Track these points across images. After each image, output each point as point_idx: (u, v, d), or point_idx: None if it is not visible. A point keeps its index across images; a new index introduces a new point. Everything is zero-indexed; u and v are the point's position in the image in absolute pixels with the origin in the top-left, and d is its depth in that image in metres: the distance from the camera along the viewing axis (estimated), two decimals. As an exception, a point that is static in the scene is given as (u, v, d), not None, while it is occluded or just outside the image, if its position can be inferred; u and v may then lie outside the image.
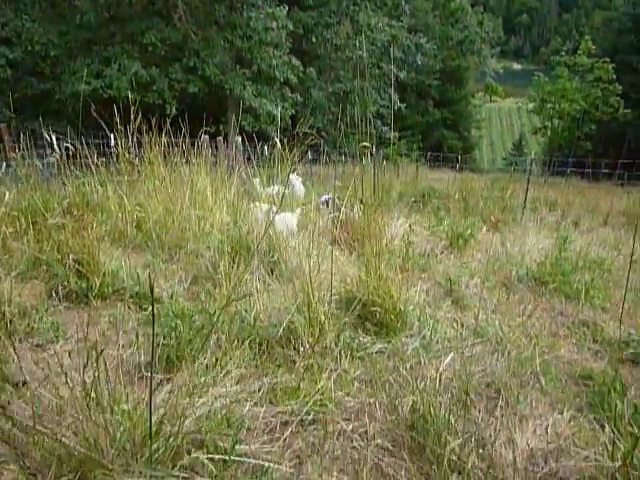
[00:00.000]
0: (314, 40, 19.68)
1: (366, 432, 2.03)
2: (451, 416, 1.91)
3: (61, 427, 1.25)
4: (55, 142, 6.00)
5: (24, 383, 2.15)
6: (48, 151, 7.09)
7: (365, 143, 3.01)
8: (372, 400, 2.20)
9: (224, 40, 16.85)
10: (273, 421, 2.01)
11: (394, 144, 17.06)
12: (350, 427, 2.02)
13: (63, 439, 1.21)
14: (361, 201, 3.90)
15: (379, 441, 1.96)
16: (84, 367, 1.47)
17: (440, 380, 2.18)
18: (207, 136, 6.58)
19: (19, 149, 6.09)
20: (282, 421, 2.04)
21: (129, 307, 3.37)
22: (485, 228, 5.89)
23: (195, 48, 16.58)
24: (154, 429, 1.43)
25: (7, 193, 4.06)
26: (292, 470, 1.69)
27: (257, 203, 4.76)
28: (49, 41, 16.32)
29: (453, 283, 3.68)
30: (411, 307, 3.04)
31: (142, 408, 1.61)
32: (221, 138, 9.48)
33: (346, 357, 2.57)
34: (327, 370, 2.41)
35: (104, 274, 3.57)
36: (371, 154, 3.86)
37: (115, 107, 5.47)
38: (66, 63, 16.39)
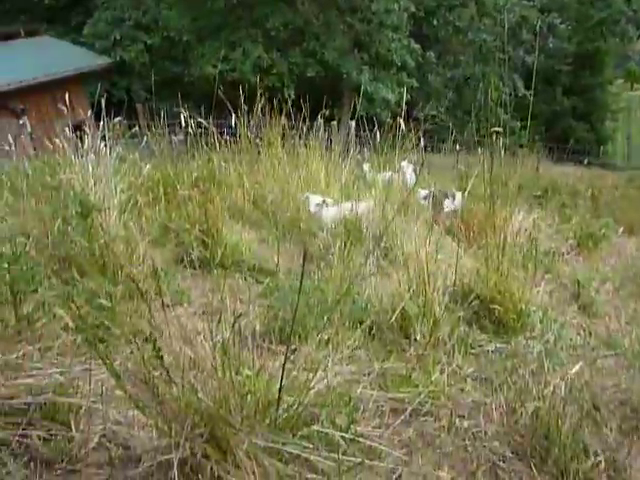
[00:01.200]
0: (435, 23, 18.96)
1: (480, 432, 1.93)
2: (579, 430, 1.75)
3: (196, 381, 1.33)
4: (184, 121, 6.46)
5: (154, 338, 2.35)
6: (178, 129, 7.68)
7: (497, 129, 2.82)
8: (488, 400, 2.09)
9: (344, 23, 16.87)
10: (384, 407, 1.99)
11: (514, 133, 16.00)
12: (465, 424, 1.94)
13: (198, 394, 1.29)
14: (468, 192, 3.71)
15: (495, 443, 1.86)
16: (216, 326, 1.56)
17: (567, 389, 2.00)
18: (322, 120, 6.67)
19: (154, 127, 6.66)
20: (392, 408, 2.01)
21: (246, 279, 3.55)
22: (620, 230, 5.30)
23: (315, 32, 16.81)
24: (275, 398, 1.48)
25: (145, 166, 4.43)
26: (405, 458, 1.66)
27: (309, 194, 4.74)
28: (182, 27, 17.53)
29: (581, 287, 3.37)
30: (533, 308, 2.84)
31: (262, 376, 1.67)
32: (335, 122, 9.56)
33: (460, 352, 2.46)
34: (440, 363, 2.33)
35: (225, 246, 3.78)
36: (489, 144, 3.62)
37: (240, 90, 5.75)
38: (196, 48, 17.51)
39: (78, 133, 4.15)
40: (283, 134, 6.11)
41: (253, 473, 1.17)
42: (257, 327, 2.55)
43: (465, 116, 17.77)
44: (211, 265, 3.61)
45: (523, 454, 1.81)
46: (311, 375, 1.71)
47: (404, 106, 5.24)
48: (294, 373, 1.67)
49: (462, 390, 2.17)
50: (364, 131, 6.85)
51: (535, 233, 3.98)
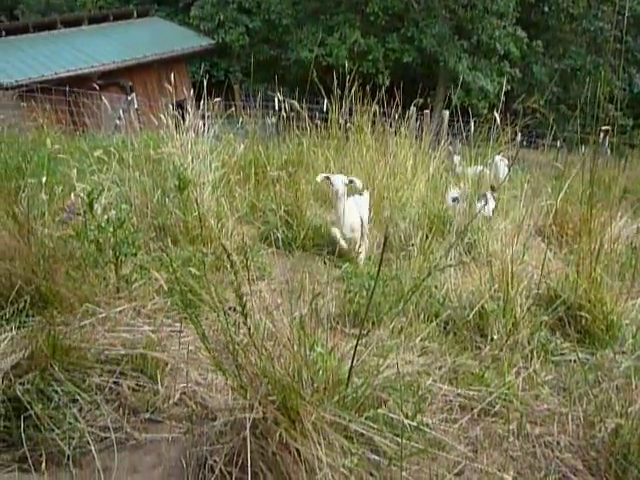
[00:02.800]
0: (546, 9, 17.67)
1: (552, 441, 1.86)
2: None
3: (273, 351, 1.41)
4: (277, 104, 6.63)
5: (234, 309, 2.49)
6: (271, 111, 7.91)
7: (605, 127, 2.62)
8: (564, 410, 1.99)
9: (445, 9, 16.29)
10: (452, 402, 1.97)
11: (625, 132, 14.66)
12: (536, 431, 1.88)
13: (275, 363, 1.37)
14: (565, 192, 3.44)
15: (567, 455, 1.78)
16: (295, 303, 1.63)
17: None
18: (415, 108, 6.55)
19: (249, 108, 6.91)
20: (461, 404, 1.99)
21: (325, 262, 3.63)
22: None
23: (415, 18, 16.40)
24: (345, 377, 1.52)
25: (240, 146, 4.63)
26: (470, 454, 1.65)
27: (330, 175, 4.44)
28: (282, 10, 17.85)
29: (686, 304, 3.07)
30: (626, 321, 2.64)
31: (334, 355, 1.73)
32: (428, 111, 9.34)
33: (538, 358, 2.36)
34: (516, 366, 2.26)
35: (308, 228, 3.88)
36: (594, 142, 3.36)
37: (334, 74, 5.79)
38: (294, 32, 17.78)
39: (180, 111, 4.42)
40: (374, 121, 6.09)
41: (319, 444, 1.23)
42: (332, 309, 2.61)
43: (568, 111, 16.55)
44: (293, 245, 3.74)
45: (597, 470, 1.72)
46: (381, 360, 1.73)
47: (503, 97, 5.01)
48: (364, 357, 1.71)
49: (537, 397, 2.09)
50: (457, 122, 6.63)
51: (638, 242, 3.67)
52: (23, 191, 2.60)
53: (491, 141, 4.93)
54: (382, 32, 16.71)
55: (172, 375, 2.05)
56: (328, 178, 3.72)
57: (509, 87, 16.23)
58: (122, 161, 3.81)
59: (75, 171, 2.57)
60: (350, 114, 6.10)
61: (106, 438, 1.66)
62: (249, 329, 1.39)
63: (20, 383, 1.65)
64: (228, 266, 3.02)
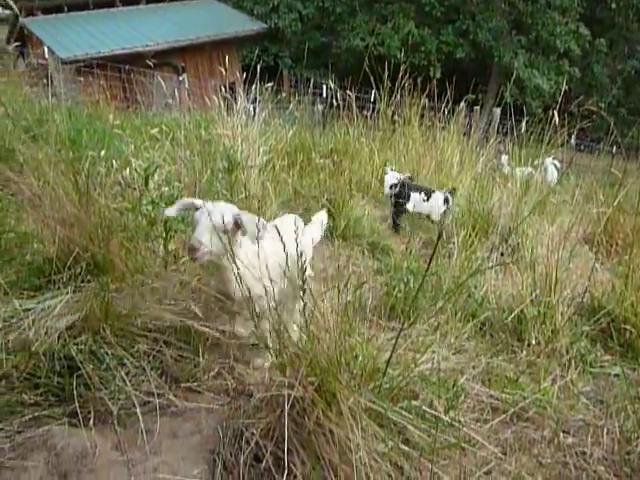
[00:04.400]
0: (613, 6, 16.84)
1: (585, 453, 1.84)
2: None
3: (315, 334, 1.45)
4: (325, 92, 6.62)
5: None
6: (319, 99, 7.92)
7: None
8: (600, 423, 1.96)
9: (505, 2, 15.78)
10: (484, 402, 1.98)
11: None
12: (569, 441, 1.86)
13: (316, 345, 1.41)
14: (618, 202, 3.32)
15: (600, 468, 1.76)
16: (336, 292, 1.66)
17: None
18: (465, 103, 6.42)
19: (297, 94, 6.94)
20: (493, 406, 1.99)
21: (364, 253, 3.65)
22: None
23: (472, 11, 15.98)
24: (382, 367, 1.55)
25: (287, 132, 4.68)
26: (500, 455, 1.65)
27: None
28: (337, -2, 17.74)
29: None
30: (673, 338, 2.55)
31: (372, 344, 1.76)
32: (478, 108, 9.13)
33: (576, 368, 2.33)
34: (552, 374, 2.23)
35: (349, 218, 3.90)
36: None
37: (384, 65, 5.74)
38: (347, 20, 17.64)
39: (231, 93, 4.49)
40: (422, 114, 6.02)
41: (354, 428, 1.26)
42: (370, 300, 2.63)
43: (629, 116, 15.80)
44: (333, 234, 3.77)
45: (630, 488, 1.69)
46: (417, 355, 1.75)
47: (558, 98, 4.86)
48: (400, 350, 1.73)
49: (572, 407, 2.06)
50: (508, 120, 6.45)
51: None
52: (81, 163, 2.72)
53: (543, 143, 4.80)
54: (437, 24, 16.37)
55: (212, 349, 2.13)
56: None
57: (567, 87, 15.63)
58: (173, 140, 3.91)
59: (132, 147, 2.67)
60: (399, 106, 6.04)
61: (149, 402, 1.75)
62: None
63: (74, 343, 1.76)
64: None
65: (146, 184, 2.36)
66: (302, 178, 4.67)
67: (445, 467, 1.53)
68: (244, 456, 1.46)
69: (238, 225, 1.78)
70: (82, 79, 9.66)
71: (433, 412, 1.50)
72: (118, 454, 1.60)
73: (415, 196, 4.25)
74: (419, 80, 5.87)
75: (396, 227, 4.30)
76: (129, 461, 1.56)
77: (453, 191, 4.37)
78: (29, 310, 1.87)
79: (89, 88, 9.30)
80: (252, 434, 1.46)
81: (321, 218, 2.60)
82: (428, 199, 4.24)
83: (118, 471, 1.54)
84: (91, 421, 1.65)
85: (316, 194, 4.16)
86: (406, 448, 1.46)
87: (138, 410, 1.66)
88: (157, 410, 1.71)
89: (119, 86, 10.83)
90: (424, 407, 1.51)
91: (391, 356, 1.43)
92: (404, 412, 1.41)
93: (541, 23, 15.39)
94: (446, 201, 4.21)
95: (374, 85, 5.95)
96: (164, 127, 3.97)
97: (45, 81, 6.70)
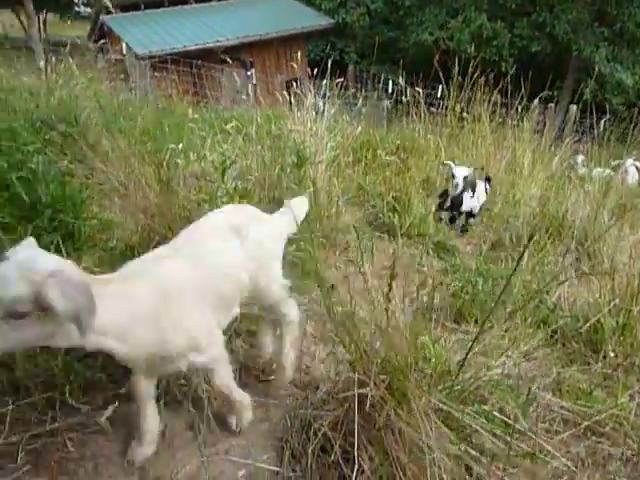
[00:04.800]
0: None
1: (666, 475, 1.73)
2: None
3: (391, 332, 1.46)
4: (392, 87, 6.54)
5: (333, 286, 2.58)
6: (386, 94, 7.84)
7: None
8: (683, 445, 1.84)
9: (586, -8, 14.90)
10: (555, 413, 1.91)
11: None
12: (647, 460, 1.76)
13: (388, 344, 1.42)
14: None
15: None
16: (401, 291, 1.66)
17: None
18: (539, 100, 6.14)
19: (363, 90, 6.91)
20: (564, 418, 1.91)
21: (428, 252, 3.60)
22: None
23: (549, 2, 15.19)
24: (453, 369, 1.54)
25: (355, 128, 4.68)
26: (573, 469, 1.59)
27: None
28: (409, -9, 17.43)
29: None
30: None
31: (444, 345, 1.75)
32: (553, 105, 8.70)
33: (658, 385, 2.19)
34: (630, 389, 2.11)
35: (414, 216, 3.86)
36: None
37: (456, 59, 5.59)
38: (416, 13, 17.30)
39: (299, 89, 4.55)
40: (493, 111, 5.82)
41: (426, 428, 1.26)
42: (435, 301, 2.60)
43: None
44: (397, 232, 3.74)
45: None
46: (490, 360, 1.72)
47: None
48: (470, 354, 1.70)
49: (652, 425, 1.94)
50: (586, 118, 6.11)
51: None
52: (162, 154, 2.85)
53: (626, 143, 4.52)
54: (511, 16, 15.70)
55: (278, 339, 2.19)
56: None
57: (654, 83, 14.58)
58: (245, 134, 4.02)
59: (209, 141, 2.78)
60: (468, 102, 5.87)
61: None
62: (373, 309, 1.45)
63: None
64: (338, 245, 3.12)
65: (222, 177, 2.45)
66: (367, 174, 4.66)
67: (514, 475, 1.49)
68: (312, 446, 1.49)
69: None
70: (157, 74, 10.13)
71: (505, 418, 1.46)
72: (192, 434, 1.69)
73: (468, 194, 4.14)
74: (491, 76, 5.68)
75: (463, 228, 4.22)
76: (202, 443, 1.64)
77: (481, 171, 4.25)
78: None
79: (162, 83, 9.74)
80: (321, 425, 1.49)
81: (293, 206, 1.98)
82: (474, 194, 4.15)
83: (191, 451, 1.63)
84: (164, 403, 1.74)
85: (381, 191, 4.14)
86: (474, 452, 1.44)
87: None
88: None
89: (190, 81, 11.24)
90: (494, 412, 1.48)
91: (465, 358, 1.42)
92: (476, 416, 1.39)
93: (627, 13, 14.36)
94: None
95: (443, 81, 5.81)
96: (236, 122, 4.09)
97: (123, 76, 7.06)
